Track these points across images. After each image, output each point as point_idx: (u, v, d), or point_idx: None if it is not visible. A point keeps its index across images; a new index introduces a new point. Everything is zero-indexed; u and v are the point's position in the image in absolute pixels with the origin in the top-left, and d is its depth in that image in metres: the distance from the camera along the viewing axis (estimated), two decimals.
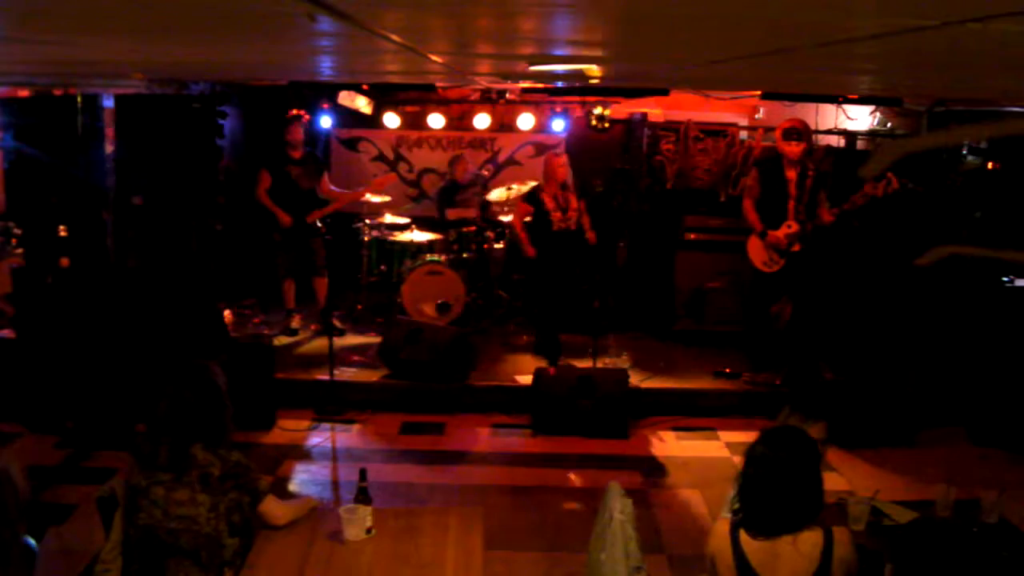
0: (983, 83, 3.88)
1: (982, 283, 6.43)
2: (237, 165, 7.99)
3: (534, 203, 6.99)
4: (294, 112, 7.31)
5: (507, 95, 8.49)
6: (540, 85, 7.11)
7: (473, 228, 7.90)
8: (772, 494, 2.53)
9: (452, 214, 8.10)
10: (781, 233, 6.39)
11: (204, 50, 3.61)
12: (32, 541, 2.80)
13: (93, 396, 5.80)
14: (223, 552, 2.89)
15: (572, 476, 5.47)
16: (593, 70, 4.11)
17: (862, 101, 7.29)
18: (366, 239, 7.97)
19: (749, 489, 2.58)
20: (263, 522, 3.05)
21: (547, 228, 6.95)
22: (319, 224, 7.47)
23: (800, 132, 6.32)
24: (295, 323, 7.52)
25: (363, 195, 7.61)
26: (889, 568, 3.00)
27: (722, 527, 2.64)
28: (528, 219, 7.08)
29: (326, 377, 6.29)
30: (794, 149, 6.30)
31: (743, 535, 2.57)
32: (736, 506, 2.62)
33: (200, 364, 3.08)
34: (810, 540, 2.52)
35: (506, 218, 7.96)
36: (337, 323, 7.36)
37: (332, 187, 7.55)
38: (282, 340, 7.24)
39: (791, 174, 6.38)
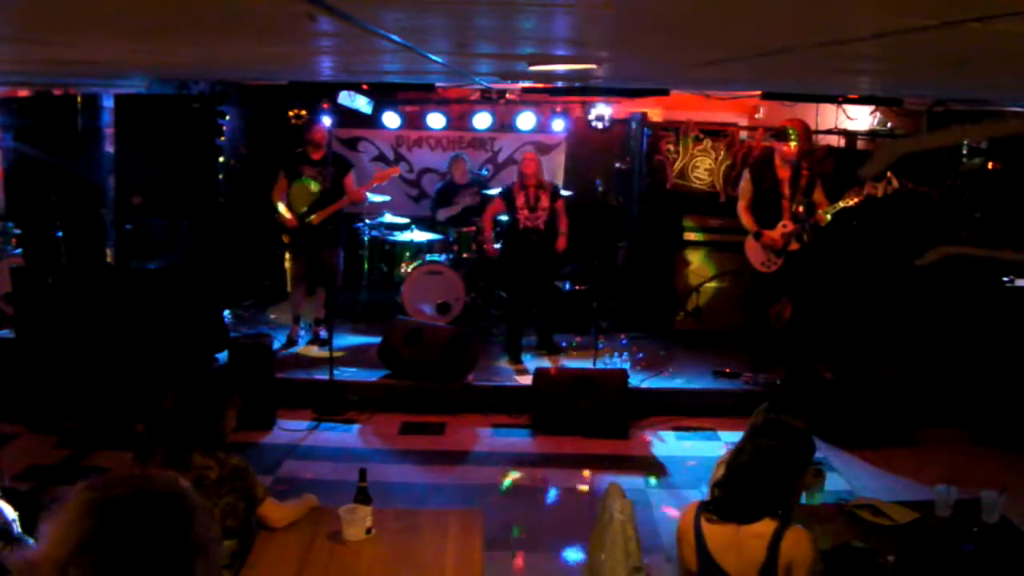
0: (983, 83, 3.88)
1: (982, 283, 6.43)
2: (237, 165, 7.98)
3: (507, 200, 7.00)
4: (303, 111, 7.20)
5: (507, 95, 8.48)
6: (540, 85, 7.10)
7: (473, 228, 7.89)
8: (753, 482, 2.53)
9: (444, 214, 8.04)
10: (776, 233, 6.38)
11: (204, 50, 3.62)
12: (31, 541, 2.80)
13: (93, 396, 5.79)
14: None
15: (572, 476, 5.46)
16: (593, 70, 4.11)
17: (862, 101, 7.28)
18: (366, 239, 7.96)
19: (737, 473, 2.56)
20: (262, 523, 3.04)
21: (514, 226, 6.99)
22: (331, 228, 7.13)
23: (794, 132, 6.29)
24: (297, 334, 7.34)
25: (369, 188, 7.41)
26: (889, 563, 3.00)
27: (692, 507, 2.66)
28: (500, 216, 7.19)
29: (326, 377, 6.29)
30: (788, 149, 6.29)
31: (704, 518, 2.58)
32: (715, 487, 2.62)
33: (205, 368, 3.07)
34: (765, 533, 2.49)
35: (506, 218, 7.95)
36: (324, 333, 7.16)
37: (358, 188, 7.30)
38: (284, 348, 7.13)
39: (784, 174, 6.37)
